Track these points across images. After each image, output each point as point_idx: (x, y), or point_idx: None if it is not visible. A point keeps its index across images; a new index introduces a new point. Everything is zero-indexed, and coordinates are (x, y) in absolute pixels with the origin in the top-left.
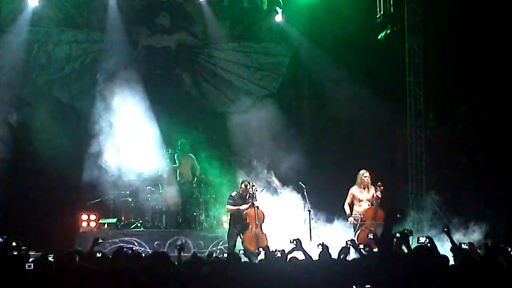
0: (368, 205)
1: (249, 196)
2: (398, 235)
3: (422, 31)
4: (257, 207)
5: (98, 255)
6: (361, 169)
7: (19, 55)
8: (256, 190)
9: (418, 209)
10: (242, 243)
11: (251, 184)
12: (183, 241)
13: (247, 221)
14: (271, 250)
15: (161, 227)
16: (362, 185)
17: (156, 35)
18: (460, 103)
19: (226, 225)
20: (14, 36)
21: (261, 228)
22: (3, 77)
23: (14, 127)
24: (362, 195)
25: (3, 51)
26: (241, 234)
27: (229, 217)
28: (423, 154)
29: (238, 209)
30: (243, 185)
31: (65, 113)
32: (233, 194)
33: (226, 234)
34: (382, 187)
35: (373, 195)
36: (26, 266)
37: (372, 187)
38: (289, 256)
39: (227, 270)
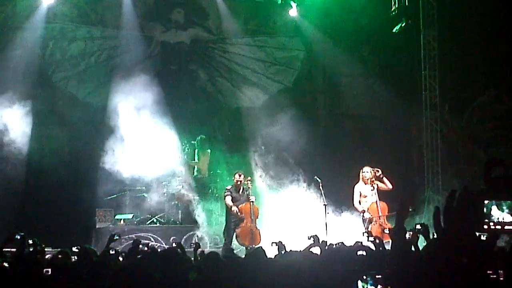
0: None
1: (243, 189)
2: (419, 227)
3: (437, 23)
4: (252, 202)
5: (112, 252)
6: (364, 166)
7: (34, 51)
8: (251, 185)
9: (435, 202)
10: (237, 238)
11: (245, 177)
12: (199, 236)
13: (242, 215)
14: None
15: (177, 222)
16: (364, 181)
17: (170, 31)
18: (476, 96)
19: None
20: (30, 32)
21: (255, 223)
22: (19, 73)
23: (30, 123)
24: (367, 191)
25: (18, 48)
26: (235, 229)
27: (224, 212)
28: (439, 148)
29: (232, 207)
30: (236, 176)
31: (81, 109)
32: (228, 187)
33: (223, 231)
34: (379, 172)
35: (374, 189)
36: (44, 271)
37: (374, 181)
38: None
39: (242, 266)
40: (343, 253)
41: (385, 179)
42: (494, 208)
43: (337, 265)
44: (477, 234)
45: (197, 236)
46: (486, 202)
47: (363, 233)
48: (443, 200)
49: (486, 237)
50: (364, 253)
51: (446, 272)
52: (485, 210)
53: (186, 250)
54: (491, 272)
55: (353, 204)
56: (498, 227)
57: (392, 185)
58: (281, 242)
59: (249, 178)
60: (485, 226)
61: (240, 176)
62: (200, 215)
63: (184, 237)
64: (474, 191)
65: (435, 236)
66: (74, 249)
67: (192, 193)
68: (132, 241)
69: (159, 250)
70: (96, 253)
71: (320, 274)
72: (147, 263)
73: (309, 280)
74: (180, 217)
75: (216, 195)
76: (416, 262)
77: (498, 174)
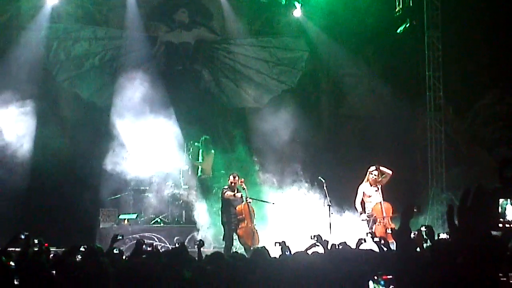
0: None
1: (237, 190)
2: (424, 228)
3: (441, 24)
4: (250, 202)
5: (116, 251)
6: (370, 166)
7: (38, 51)
8: (245, 186)
9: (439, 203)
10: (239, 238)
11: (239, 179)
12: (203, 235)
13: (242, 216)
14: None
15: (181, 222)
16: (370, 182)
17: (175, 31)
18: (480, 97)
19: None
20: (34, 32)
21: (255, 224)
22: (23, 73)
23: (34, 123)
24: (371, 191)
25: (23, 47)
26: (236, 231)
27: (221, 216)
28: (443, 148)
29: (235, 195)
30: (231, 177)
31: (85, 109)
32: (225, 187)
33: (223, 235)
34: (376, 171)
35: (378, 190)
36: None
37: (379, 181)
38: (308, 252)
39: (249, 266)
40: (350, 254)
41: (382, 168)
42: (509, 207)
43: (346, 266)
44: (492, 232)
45: (200, 236)
46: (501, 200)
47: (367, 233)
48: (447, 200)
49: (499, 235)
50: (372, 253)
51: (456, 272)
52: (500, 209)
53: (190, 250)
54: (501, 275)
55: (354, 204)
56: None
57: (392, 170)
58: (285, 243)
59: (242, 179)
60: (500, 225)
61: (234, 177)
62: (203, 215)
63: (188, 237)
64: (488, 189)
65: (441, 237)
66: (81, 248)
67: (196, 193)
68: (135, 241)
69: (162, 250)
70: (103, 251)
71: (329, 275)
72: (152, 262)
73: (318, 280)
74: (184, 217)
75: (219, 194)
76: (424, 262)
77: None
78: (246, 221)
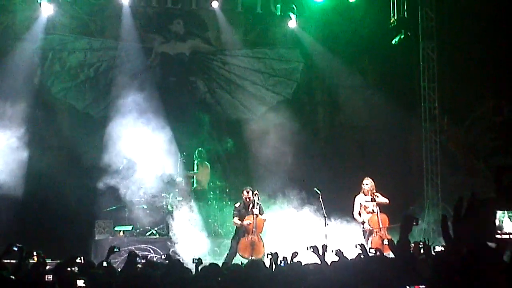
0: (373, 211)
1: (253, 205)
2: (421, 245)
3: (436, 35)
4: (256, 215)
5: (105, 264)
6: (364, 178)
7: (33, 62)
8: (259, 198)
9: (434, 214)
10: (238, 251)
11: (252, 191)
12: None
13: (243, 229)
14: (278, 257)
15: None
16: (364, 193)
17: (170, 42)
18: (475, 107)
19: None
20: (29, 43)
21: (258, 235)
22: (18, 84)
23: (29, 134)
24: (368, 203)
25: (18, 58)
26: (238, 243)
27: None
28: (438, 159)
29: (242, 224)
30: (244, 192)
31: (80, 121)
32: (237, 205)
33: (231, 240)
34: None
35: (374, 201)
36: (46, 278)
37: (375, 193)
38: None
39: (245, 278)
40: (347, 265)
41: (381, 197)
42: (506, 219)
43: (341, 277)
44: (488, 243)
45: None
46: (498, 213)
47: (356, 245)
48: (443, 211)
49: (494, 246)
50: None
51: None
52: (497, 222)
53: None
54: None
55: (353, 215)
56: (508, 237)
57: (388, 199)
58: (277, 253)
59: (256, 192)
60: (497, 236)
61: (248, 192)
62: (197, 227)
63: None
64: (484, 199)
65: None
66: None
67: (191, 204)
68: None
69: (158, 261)
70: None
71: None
72: (150, 274)
73: None
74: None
75: (216, 206)
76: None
77: (509, 182)
78: (246, 233)
